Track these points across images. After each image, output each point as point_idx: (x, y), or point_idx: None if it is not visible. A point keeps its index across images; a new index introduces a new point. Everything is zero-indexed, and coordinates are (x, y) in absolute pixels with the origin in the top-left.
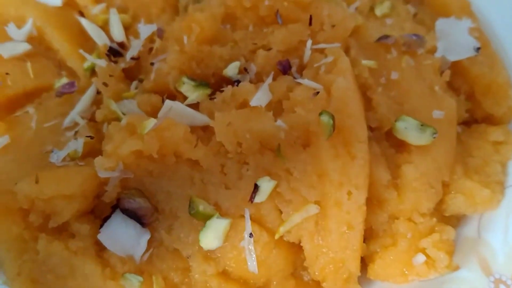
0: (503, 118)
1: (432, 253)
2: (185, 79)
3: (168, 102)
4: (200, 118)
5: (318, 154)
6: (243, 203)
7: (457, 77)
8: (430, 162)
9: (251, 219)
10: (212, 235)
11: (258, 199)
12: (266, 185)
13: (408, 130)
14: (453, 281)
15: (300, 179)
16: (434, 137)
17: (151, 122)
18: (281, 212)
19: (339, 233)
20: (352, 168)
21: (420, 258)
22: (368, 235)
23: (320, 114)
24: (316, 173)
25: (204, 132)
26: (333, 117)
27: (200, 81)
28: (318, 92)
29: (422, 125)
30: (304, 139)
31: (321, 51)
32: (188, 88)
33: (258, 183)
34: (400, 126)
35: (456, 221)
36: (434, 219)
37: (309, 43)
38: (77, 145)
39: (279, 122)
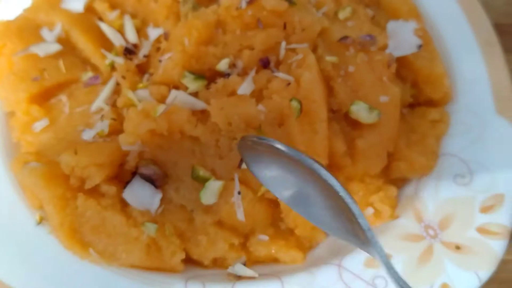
0: (440, 101)
1: (379, 207)
2: (186, 73)
3: (173, 92)
4: (199, 104)
5: (289, 131)
6: (233, 169)
7: (404, 69)
8: (377, 136)
9: (239, 181)
10: (209, 193)
11: (244, 166)
12: None
13: (360, 111)
14: (394, 226)
15: None
16: (379, 117)
17: (161, 107)
18: None
19: None
20: (315, 141)
21: (370, 210)
22: None
23: (291, 100)
24: (288, 145)
25: (202, 115)
26: (300, 103)
27: (198, 75)
28: (289, 83)
29: (370, 108)
30: (279, 119)
31: (293, 50)
32: (189, 80)
33: None
34: (354, 109)
35: (400, 182)
36: (381, 181)
37: (283, 44)
38: (103, 125)
39: (260, 106)
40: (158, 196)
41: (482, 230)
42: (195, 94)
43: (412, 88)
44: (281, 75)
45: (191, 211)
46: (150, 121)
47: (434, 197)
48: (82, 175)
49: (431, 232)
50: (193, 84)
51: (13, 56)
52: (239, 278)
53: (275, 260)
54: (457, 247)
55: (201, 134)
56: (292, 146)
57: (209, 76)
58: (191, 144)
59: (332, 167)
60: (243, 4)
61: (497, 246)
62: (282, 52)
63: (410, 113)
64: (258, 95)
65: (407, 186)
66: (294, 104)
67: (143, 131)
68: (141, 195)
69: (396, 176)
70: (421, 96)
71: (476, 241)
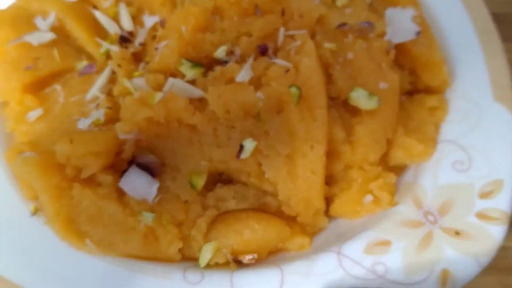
0: (438, 88)
1: (378, 194)
2: (183, 61)
3: (171, 80)
4: (197, 92)
5: (288, 118)
6: (231, 159)
7: (402, 56)
8: (376, 123)
9: (236, 171)
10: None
11: (243, 156)
12: (249, 145)
13: (359, 98)
14: (393, 214)
15: (275, 138)
16: (379, 104)
17: (159, 95)
18: (261, 164)
19: (305, 178)
20: (314, 128)
21: (369, 198)
22: (329, 181)
23: (290, 86)
24: (287, 132)
25: (200, 103)
26: (299, 89)
27: (196, 62)
28: (288, 70)
29: (370, 94)
30: (278, 106)
31: (292, 36)
32: (186, 68)
33: (243, 143)
34: (353, 95)
35: (399, 170)
36: (380, 168)
37: (281, 30)
38: (99, 114)
39: (259, 93)
40: (155, 185)
41: (481, 216)
42: (192, 82)
43: (410, 75)
44: (279, 61)
45: (185, 202)
46: (147, 109)
47: (433, 184)
48: (78, 164)
49: (430, 218)
50: (190, 72)
51: (6, 45)
52: (238, 266)
53: (279, 250)
54: (457, 233)
55: (199, 123)
56: (291, 132)
57: (206, 64)
58: (188, 132)
59: (331, 154)
60: None
61: (496, 232)
62: (281, 38)
63: (408, 100)
64: (256, 82)
65: (406, 173)
66: (294, 90)
67: (140, 119)
68: (138, 184)
69: (394, 163)
70: (419, 83)
71: (476, 226)
